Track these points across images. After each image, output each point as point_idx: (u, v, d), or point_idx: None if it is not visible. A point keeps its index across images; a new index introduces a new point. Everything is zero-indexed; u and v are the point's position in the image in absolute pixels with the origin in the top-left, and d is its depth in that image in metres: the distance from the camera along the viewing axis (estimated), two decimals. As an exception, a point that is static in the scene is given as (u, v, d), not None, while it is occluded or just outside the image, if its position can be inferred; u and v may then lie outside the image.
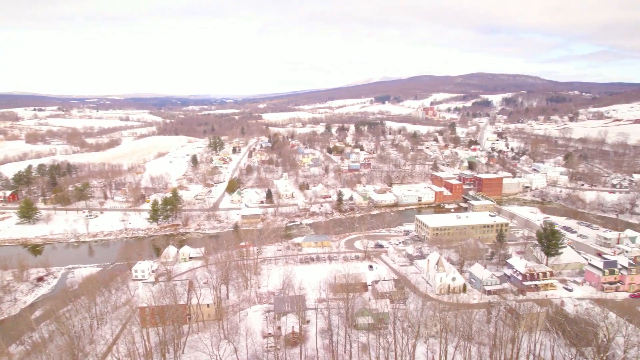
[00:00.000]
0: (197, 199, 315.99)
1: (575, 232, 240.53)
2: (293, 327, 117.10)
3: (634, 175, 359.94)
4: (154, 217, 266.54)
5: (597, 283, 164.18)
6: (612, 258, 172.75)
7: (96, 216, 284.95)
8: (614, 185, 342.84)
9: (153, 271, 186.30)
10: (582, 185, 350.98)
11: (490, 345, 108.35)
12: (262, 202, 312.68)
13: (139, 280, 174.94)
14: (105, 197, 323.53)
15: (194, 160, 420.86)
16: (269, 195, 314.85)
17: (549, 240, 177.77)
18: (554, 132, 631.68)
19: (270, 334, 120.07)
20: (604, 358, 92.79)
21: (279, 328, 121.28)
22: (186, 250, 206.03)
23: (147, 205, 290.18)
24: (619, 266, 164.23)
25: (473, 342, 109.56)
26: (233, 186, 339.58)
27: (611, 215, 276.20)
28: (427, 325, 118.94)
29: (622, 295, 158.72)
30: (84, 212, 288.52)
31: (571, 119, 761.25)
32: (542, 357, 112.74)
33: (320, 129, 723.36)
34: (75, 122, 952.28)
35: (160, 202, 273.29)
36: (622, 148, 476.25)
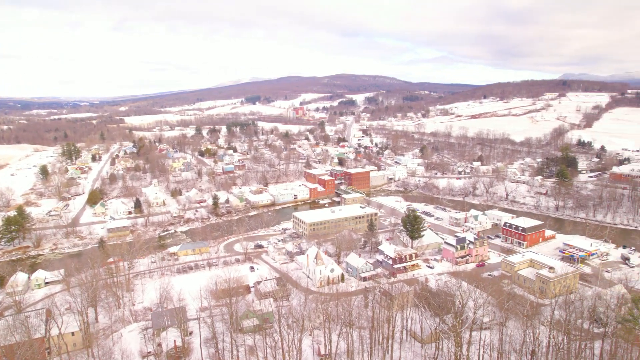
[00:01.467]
0: (51, 216, 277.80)
1: (432, 215, 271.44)
2: (175, 341, 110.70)
3: (474, 162, 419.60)
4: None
5: (452, 258, 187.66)
6: (461, 235, 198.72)
7: None
8: (459, 173, 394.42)
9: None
10: (436, 174, 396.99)
11: (369, 328, 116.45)
12: (130, 212, 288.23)
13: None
14: None
15: (44, 171, 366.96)
16: (137, 204, 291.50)
17: (413, 225, 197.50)
18: (410, 127, 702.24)
19: (150, 352, 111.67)
20: (460, 321, 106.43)
21: (160, 345, 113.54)
22: (40, 274, 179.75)
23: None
24: (467, 241, 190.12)
25: (354, 328, 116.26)
26: (95, 198, 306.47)
27: (459, 198, 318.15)
28: (310, 318, 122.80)
29: (470, 266, 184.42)
30: None
31: (424, 116, 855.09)
32: (413, 330, 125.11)
33: (190, 131, 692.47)
34: None
35: (1, 223, 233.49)
36: (463, 140, 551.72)
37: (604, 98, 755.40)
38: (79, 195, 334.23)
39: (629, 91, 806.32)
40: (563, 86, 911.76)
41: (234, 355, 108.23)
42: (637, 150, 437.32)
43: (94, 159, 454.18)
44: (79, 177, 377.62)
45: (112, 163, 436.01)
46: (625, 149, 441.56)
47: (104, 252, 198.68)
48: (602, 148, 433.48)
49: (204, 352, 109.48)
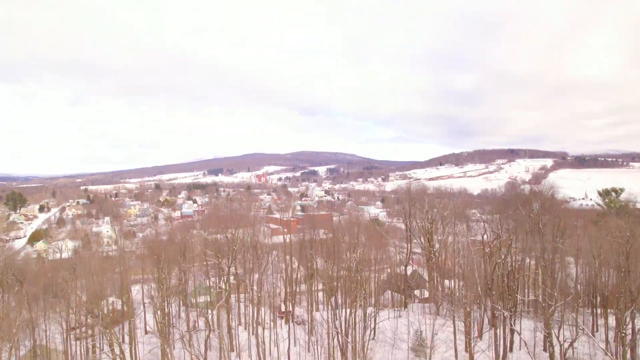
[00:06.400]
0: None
1: (398, 245, 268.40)
2: (113, 302, 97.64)
3: (434, 209, 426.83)
4: None
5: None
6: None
7: None
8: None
9: None
10: (398, 219, 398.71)
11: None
12: (76, 251, 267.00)
13: None
14: None
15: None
16: (86, 241, 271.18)
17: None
18: (372, 187, 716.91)
19: (80, 324, 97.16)
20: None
21: (94, 315, 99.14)
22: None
23: None
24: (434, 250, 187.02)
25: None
26: (38, 236, 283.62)
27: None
28: (270, 294, 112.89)
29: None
30: None
31: (384, 180, 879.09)
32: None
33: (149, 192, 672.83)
34: None
35: None
36: (423, 195, 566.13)
37: (548, 162, 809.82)
38: (19, 238, 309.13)
39: (569, 157, 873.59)
40: (511, 154, 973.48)
41: (183, 317, 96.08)
42: (583, 198, 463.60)
43: (41, 209, 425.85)
44: (22, 222, 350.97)
45: (62, 211, 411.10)
46: (572, 197, 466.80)
47: (41, 267, 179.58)
48: (552, 195, 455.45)
49: (149, 317, 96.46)
